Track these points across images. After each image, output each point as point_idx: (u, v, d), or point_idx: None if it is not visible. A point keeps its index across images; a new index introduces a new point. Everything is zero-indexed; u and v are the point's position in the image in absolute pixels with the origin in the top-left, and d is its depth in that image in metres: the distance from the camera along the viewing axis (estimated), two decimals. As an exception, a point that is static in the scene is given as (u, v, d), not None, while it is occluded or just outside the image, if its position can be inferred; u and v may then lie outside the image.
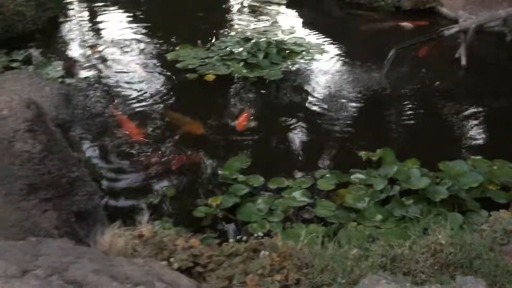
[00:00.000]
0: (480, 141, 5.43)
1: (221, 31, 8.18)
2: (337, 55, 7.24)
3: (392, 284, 2.00)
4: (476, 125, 5.72)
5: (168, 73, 6.81)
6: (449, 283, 2.15)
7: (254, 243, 2.97)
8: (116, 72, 6.98)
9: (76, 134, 4.97)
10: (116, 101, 6.04)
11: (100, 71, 7.05)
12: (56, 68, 6.98)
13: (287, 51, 7.20)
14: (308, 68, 6.87)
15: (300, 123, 5.65)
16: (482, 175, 4.53)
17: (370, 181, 4.61)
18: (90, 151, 4.88)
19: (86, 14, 9.75)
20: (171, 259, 2.68)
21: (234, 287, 2.59)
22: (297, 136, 5.46)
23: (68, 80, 6.61)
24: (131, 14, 9.41)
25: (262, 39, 7.33)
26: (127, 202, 4.22)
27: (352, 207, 4.34)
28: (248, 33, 7.84)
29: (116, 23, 9.03)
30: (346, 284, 2.47)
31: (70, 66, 7.23)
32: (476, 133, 5.60)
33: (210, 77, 6.63)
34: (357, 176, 4.70)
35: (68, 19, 9.29)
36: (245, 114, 5.68)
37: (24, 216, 3.18)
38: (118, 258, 2.74)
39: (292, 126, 5.59)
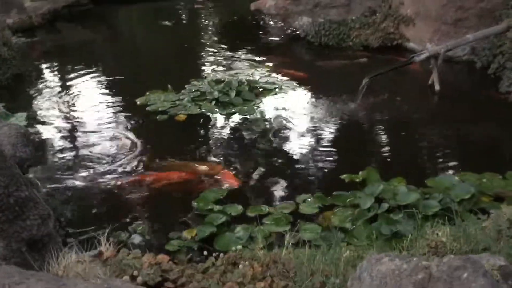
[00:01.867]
0: (462, 160, 5.23)
1: (192, 76, 8.05)
2: (310, 90, 7.14)
3: (396, 261, 1.66)
4: (455, 146, 5.56)
5: (137, 116, 6.56)
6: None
7: (232, 255, 2.59)
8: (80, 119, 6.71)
9: (33, 175, 4.59)
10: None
11: (66, 121, 6.78)
12: (19, 119, 6.68)
13: (260, 89, 7.07)
14: (282, 102, 6.71)
15: (277, 152, 5.41)
16: (473, 187, 4.29)
17: (356, 201, 4.30)
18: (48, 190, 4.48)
19: (52, 70, 9.60)
20: (135, 273, 2.26)
21: (210, 299, 2.19)
22: (275, 165, 5.17)
23: (31, 129, 6.33)
24: (97, 69, 9.31)
25: (234, 79, 7.20)
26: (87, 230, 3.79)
27: (340, 228, 4.00)
28: (219, 76, 7.72)
29: (83, 77, 8.88)
30: (340, 283, 2.10)
31: (34, 117, 6.96)
32: (458, 154, 5.43)
33: (181, 117, 6.40)
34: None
35: (33, 75, 9.10)
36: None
37: (-35, 247, 2.75)
38: (72, 279, 2.32)
39: (269, 156, 5.33)
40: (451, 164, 5.16)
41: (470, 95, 6.85)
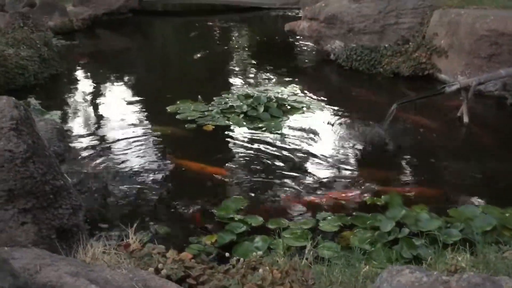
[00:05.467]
0: (486, 193, 5.17)
1: (222, 89, 8.21)
2: (337, 112, 7.19)
3: (417, 273, 1.70)
4: (480, 178, 5.51)
5: (167, 123, 6.72)
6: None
7: (253, 259, 2.65)
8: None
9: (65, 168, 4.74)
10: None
11: (96, 122, 6.99)
12: (54, 117, 6.91)
13: (288, 107, 7.16)
14: (309, 121, 6.78)
15: (301, 169, 5.45)
16: (496, 219, 4.25)
17: (376, 223, 4.32)
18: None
19: (87, 73, 9.91)
20: (160, 266, 2.34)
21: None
22: (297, 182, 5.22)
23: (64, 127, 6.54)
24: (131, 75, 9.58)
25: (263, 95, 7.32)
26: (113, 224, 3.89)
27: (359, 249, 4.00)
28: (249, 91, 7.86)
29: (116, 82, 9.15)
30: (359, 295, 2.14)
31: (66, 116, 7.20)
32: (482, 186, 5.37)
33: (209, 127, 6.53)
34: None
35: (69, 77, 9.40)
36: None
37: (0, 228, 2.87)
38: (99, 265, 2.41)
39: (292, 172, 5.38)
40: (474, 195, 5.12)
41: (498, 130, 6.80)
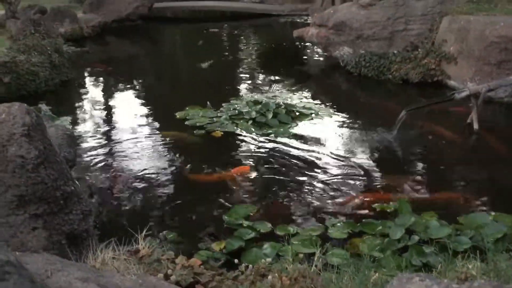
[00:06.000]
0: (496, 201, 5.12)
1: (231, 95, 8.24)
2: (346, 118, 7.18)
3: (427, 281, 1.69)
4: (490, 186, 5.47)
5: (176, 129, 6.75)
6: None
7: (262, 266, 2.64)
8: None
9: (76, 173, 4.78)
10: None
11: (105, 128, 7.04)
12: (64, 122, 6.96)
13: (296, 113, 7.17)
14: (317, 128, 6.78)
15: (310, 176, 5.44)
16: (506, 227, 4.21)
17: (386, 230, 4.30)
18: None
19: (97, 79, 9.99)
20: (169, 272, 2.35)
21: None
22: (307, 188, 5.21)
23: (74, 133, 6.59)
24: (140, 81, 9.64)
25: (272, 101, 7.34)
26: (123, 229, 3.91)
27: (368, 256, 3.99)
28: (257, 97, 7.88)
29: (125, 88, 9.22)
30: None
31: (75, 122, 7.26)
32: (492, 193, 5.32)
33: (218, 134, 6.55)
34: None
35: (79, 83, 9.48)
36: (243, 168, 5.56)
37: (11, 233, 2.90)
38: (108, 271, 2.43)
39: (301, 179, 5.37)
40: (484, 203, 5.08)
41: (508, 137, 6.74)
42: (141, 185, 5.15)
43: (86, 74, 10.35)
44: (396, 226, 4.30)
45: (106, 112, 7.86)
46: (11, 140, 2.76)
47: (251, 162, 5.76)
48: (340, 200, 4.99)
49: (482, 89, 6.39)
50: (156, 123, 7.20)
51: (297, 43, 11.75)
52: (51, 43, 9.39)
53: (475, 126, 6.53)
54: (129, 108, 7.92)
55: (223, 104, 7.57)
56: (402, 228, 4.24)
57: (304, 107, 7.48)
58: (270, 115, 6.88)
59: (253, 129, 6.67)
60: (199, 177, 5.37)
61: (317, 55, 11.25)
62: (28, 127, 2.82)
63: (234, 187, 5.18)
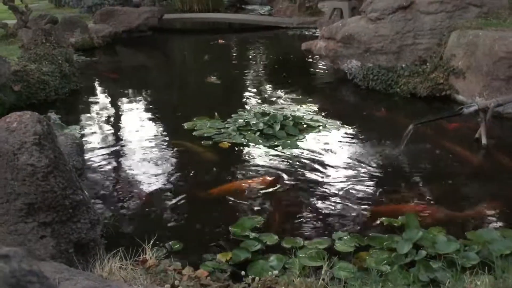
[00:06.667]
0: (504, 217, 5.08)
1: (238, 107, 8.27)
2: (353, 131, 7.18)
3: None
4: (497, 201, 5.41)
5: (184, 139, 6.79)
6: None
7: (268, 279, 2.64)
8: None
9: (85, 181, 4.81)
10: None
11: (113, 138, 7.09)
12: (73, 131, 7.02)
13: (304, 125, 7.18)
14: (325, 140, 6.78)
15: (316, 188, 5.44)
16: (515, 244, 4.18)
17: (393, 245, 4.27)
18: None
19: (106, 89, 10.07)
20: (176, 282, 2.35)
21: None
22: (312, 201, 5.20)
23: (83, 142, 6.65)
24: (148, 91, 9.70)
25: (279, 113, 7.36)
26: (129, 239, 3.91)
27: (375, 270, 3.97)
28: (265, 109, 7.90)
29: (134, 98, 9.28)
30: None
31: (83, 131, 7.32)
32: (500, 209, 5.28)
33: (225, 145, 6.57)
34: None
35: (88, 92, 9.57)
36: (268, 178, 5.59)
37: (19, 241, 2.92)
38: (115, 280, 2.43)
39: (308, 191, 5.37)
40: (492, 219, 5.05)
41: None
42: (148, 194, 5.16)
43: (95, 83, 10.45)
44: (403, 241, 4.28)
45: (114, 121, 7.91)
46: (22, 148, 2.79)
47: (257, 173, 5.77)
48: (347, 213, 4.97)
49: (490, 104, 6.37)
50: (164, 132, 7.24)
51: (305, 55, 11.79)
52: (62, 53, 9.50)
53: (483, 141, 6.50)
54: (137, 117, 7.98)
55: (231, 115, 7.61)
56: (409, 242, 4.22)
57: (311, 119, 7.49)
58: (277, 127, 6.90)
59: (261, 141, 6.68)
60: (220, 189, 5.36)
61: (325, 68, 11.29)
62: (39, 136, 2.85)
63: (244, 198, 5.17)
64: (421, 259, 4.02)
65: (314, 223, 4.79)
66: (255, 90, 9.85)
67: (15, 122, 2.88)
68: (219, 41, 14.80)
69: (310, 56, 11.68)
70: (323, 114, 7.92)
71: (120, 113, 8.41)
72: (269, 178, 5.56)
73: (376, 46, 9.32)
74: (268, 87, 9.99)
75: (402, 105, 8.59)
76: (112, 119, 8.01)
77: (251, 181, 5.50)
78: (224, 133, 6.91)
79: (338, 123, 7.45)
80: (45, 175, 2.80)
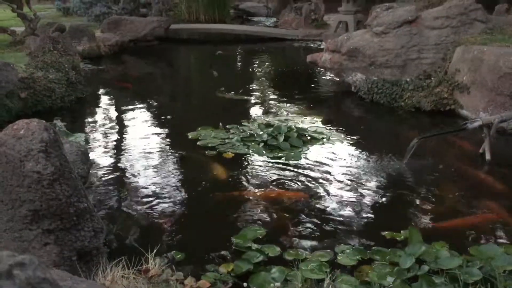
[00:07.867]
0: (508, 233, 5.08)
1: (242, 118, 8.30)
2: (357, 144, 7.19)
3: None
4: (502, 217, 5.41)
5: (188, 149, 6.81)
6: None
7: (271, 291, 2.64)
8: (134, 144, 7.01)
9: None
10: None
11: (117, 146, 7.12)
12: (78, 139, 7.05)
13: (308, 137, 7.20)
14: (329, 152, 6.79)
15: (318, 201, 5.44)
16: (518, 259, 4.16)
17: (396, 259, 4.26)
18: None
19: (111, 98, 10.13)
20: (178, 292, 2.36)
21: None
22: (315, 213, 5.20)
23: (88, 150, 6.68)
24: (153, 100, 9.75)
25: (283, 125, 7.38)
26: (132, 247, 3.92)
27: (378, 285, 3.96)
28: (269, 120, 7.93)
29: (139, 107, 9.32)
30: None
31: (88, 139, 7.35)
32: (504, 225, 5.27)
33: (229, 155, 6.59)
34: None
35: (94, 101, 9.63)
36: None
37: (23, 248, 2.93)
38: (119, 290, 2.44)
39: (311, 203, 5.37)
40: (495, 235, 5.04)
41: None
42: (152, 203, 5.18)
43: (101, 91, 10.52)
44: (406, 255, 4.27)
45: (119, 129, 7.95)
46: (28, 155, 2.81)
47: (261, 184, 5.78)
48: (349, 226, 4.97)
49: (494, 119, 6.38)
50: (169, 142, 7.27)
51: (310, 68, 11.85)
52: (69, 61, 9.58)
53: (488, 156, 6.50)
54: (142, 126, 8.02)
55: (238, 126, 7.64)
56: (412, 257, 4.21)
57: (315, 131, 7.51)
58: (281, 138, 6.92)
59: (264, 152, 6.70)
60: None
61: (329, 80, 11.34)
62: (46, 143, 2.87)
63: (248, 209, 5.18)
64: (424, 274, 4.01)
65: (317, 235, 4.78)
66: (259, 101, 9.89)
67: (22, 129, 2.91)
68: (218, 53, 14.92)
69: (315, 68, 11.74)
70: (327, 126, 7.95)
71: (125, 121, 8.46)
72: (303, 193, 5.55)
73: (381, 60, 9.37)
74: (273, 98, 10.03)
75: (406, 119, 8.61)
76: (117, 127, 8.05)
77: (288, 192, 5.55)
78: (228, 144, 6.94)
79: (342, 135, 7.48)
80: (50, 182, 2.83)
